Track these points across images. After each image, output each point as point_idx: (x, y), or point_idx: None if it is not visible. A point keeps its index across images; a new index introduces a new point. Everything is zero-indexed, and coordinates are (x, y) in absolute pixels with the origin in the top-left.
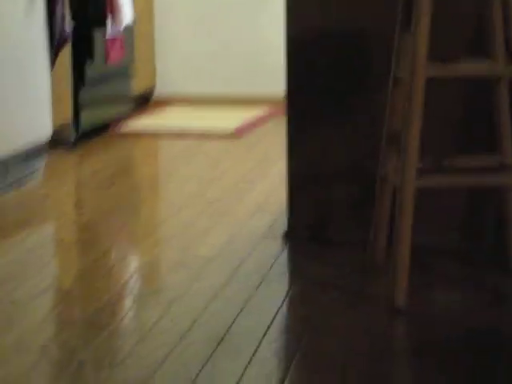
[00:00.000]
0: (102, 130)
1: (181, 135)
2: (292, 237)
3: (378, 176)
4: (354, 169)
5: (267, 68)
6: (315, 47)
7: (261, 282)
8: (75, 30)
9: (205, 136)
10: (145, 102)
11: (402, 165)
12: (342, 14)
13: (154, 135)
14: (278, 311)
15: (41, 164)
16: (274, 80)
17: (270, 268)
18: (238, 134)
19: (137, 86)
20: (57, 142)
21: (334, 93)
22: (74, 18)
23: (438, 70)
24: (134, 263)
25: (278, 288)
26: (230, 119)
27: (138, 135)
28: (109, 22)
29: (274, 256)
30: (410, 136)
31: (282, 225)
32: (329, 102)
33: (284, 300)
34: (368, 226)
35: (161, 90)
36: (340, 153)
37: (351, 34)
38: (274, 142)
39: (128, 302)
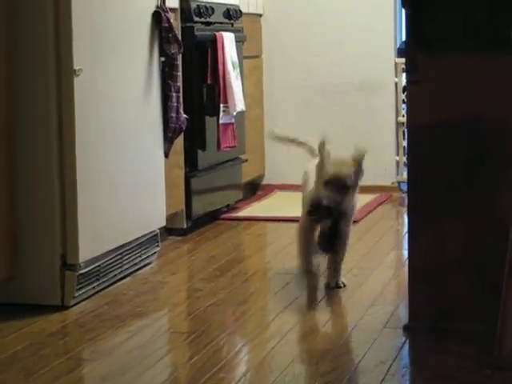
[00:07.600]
0: (212, 216)
1: (290, 220)
2: (413, 328)
3: (506, 267)
4: (476, 259)
5: (376, 154)
6: (437, 138)
7: (384, 377)
8: (188, 118)
9: None
10: (255, 187)
11: None
12: (461, 103)
13: (265, 221)
14: None
15: (155, 251)
16: (383, 166)
17: (393, 361)
18: None
19: (247, 172)
20: (170, 229)
21: (455, 183)
22: (187, 107)
23: None
24: (248, 357)
25: (401, 383)
26: None
27: (248, 221)
28: (221, 109)
29: (395, 348)
30: None
31: (402, 315)
32: (449, 192)
33: None
34: (492, 316)
35: (270, 174)
36: (461, 243)
37: (472, 125)
38: (385, 228)
39: None
